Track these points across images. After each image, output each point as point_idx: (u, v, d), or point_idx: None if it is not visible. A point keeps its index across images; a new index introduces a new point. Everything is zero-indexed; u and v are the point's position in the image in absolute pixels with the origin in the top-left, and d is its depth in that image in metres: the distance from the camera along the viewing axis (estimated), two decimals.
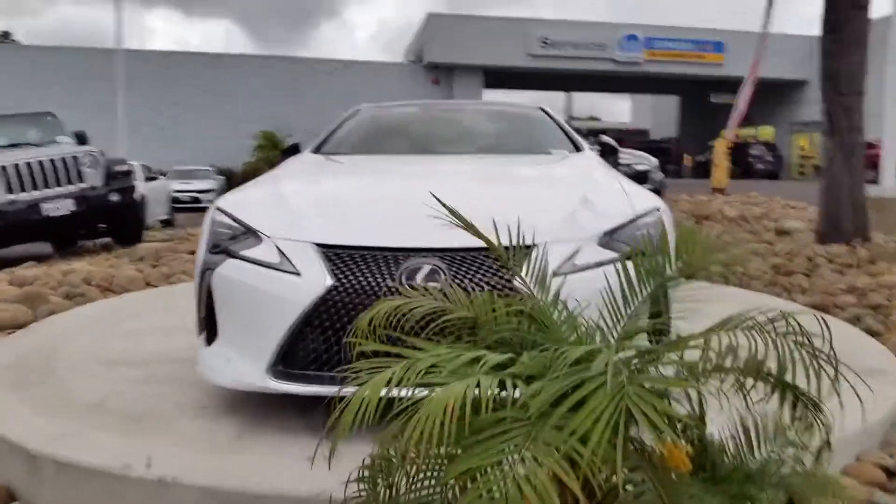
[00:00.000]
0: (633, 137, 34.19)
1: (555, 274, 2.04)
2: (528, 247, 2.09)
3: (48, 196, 7.26)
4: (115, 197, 7.72)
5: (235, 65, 30.03)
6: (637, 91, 42.38)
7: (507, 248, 2.08)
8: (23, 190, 7.17)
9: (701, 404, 1.42)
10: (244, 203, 2.57)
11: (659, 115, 44.72)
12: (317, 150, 3.62)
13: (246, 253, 2.26)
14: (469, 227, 1.59)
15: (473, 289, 2.07)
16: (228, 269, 2.26)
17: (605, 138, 3.72)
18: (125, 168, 8.20)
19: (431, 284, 2.03)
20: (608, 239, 2.28)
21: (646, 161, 7.50)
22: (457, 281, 2.08)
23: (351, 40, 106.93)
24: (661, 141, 36.82)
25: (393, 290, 2.07)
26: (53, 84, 25.93)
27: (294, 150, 3.78)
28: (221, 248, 2.32)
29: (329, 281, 2.09)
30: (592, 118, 56.67)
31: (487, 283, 2.08)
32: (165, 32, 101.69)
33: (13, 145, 7.77)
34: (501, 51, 30.85)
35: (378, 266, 2.12)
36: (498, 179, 2.92)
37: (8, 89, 24.69)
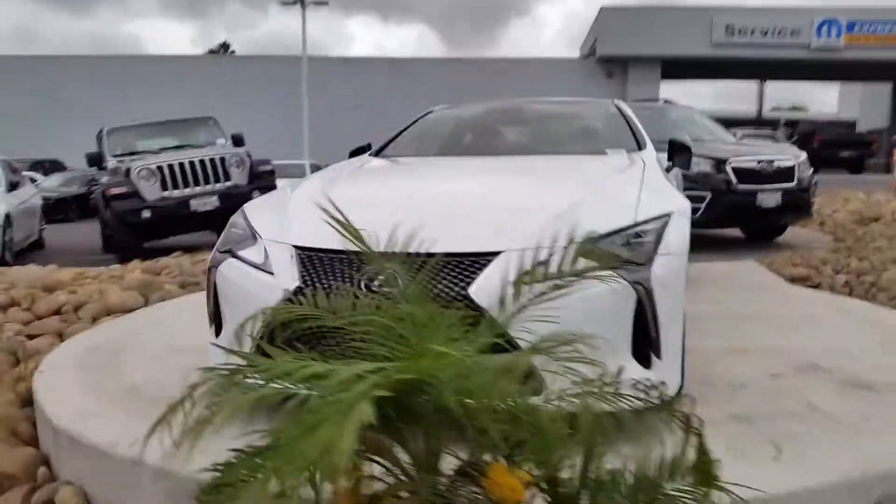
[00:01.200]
0: (832, 129, 30.99)
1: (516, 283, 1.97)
2: (489, 254, 2.05)
3: (196, 193, 8.12)
4: (257, 195, 8.40)
5: (412, 68, 31.23)
6: (841, 79, 38.53)
7: (460, 255, 2.06)
8: (175, 188, 8.07)
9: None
10: (261, 206, 2.72)
11: (868, 104, 40.25)
12: (378, 152, 3.73)
13: (241, 253, 2.41)
14: (350, 232, 1.58)
15: (432, 298, 2.04)
16: (227, 267, 2.42)
17: (679, 137, 3.47)
18: (269, 168, 8.95)
19: (388, 290, 2.05)
20: (591, 247, 2.13)
21: (790, 156, 6.82)
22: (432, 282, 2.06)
23: (539, 37, 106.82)
24: (863, 133, 33.09)
25: (357, 294, 2.10)
26: (254, 91, 28.51)
27: (361, 150, 3.91)
28: (227, 248, 2.49)
29: (295, 283, 2.17)
30: (795, 108, 52.58)
31: (446, 292, 2.05)
32: (364, 38, 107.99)
33: (178, 147, 8.78)
34: (681, 40, 29.46)
35: (343, 270, 2.16)
36: (511, 184, 2.84)
37: (219, 96, 27.53)
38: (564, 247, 2.11)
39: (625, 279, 2.10)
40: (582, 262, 2.13)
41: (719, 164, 6.58)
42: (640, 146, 3.40)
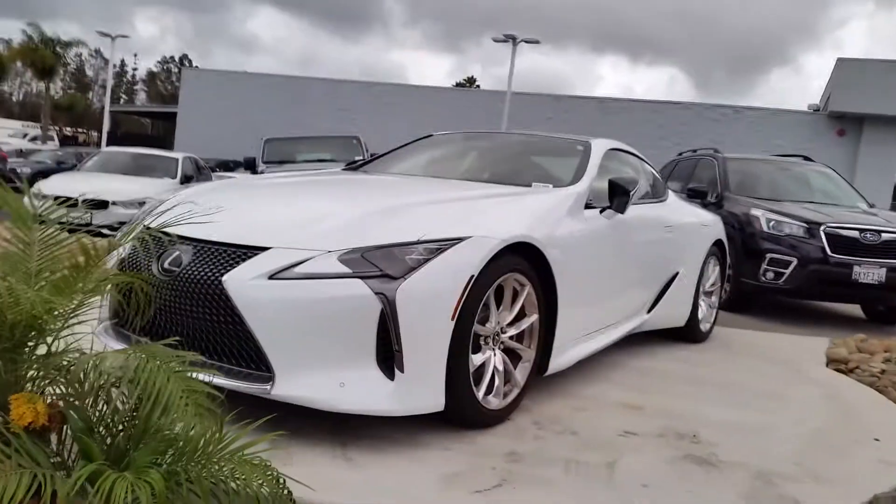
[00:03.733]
0: None
1: (272, 277, 2.23)
2: (256, 248, 2.32)
3: None
4: None
5: (622, 109, 30.83)
6: None
7: (226, 245, 2.34)
8: None
9: None
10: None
11: None
12: (360, 166, 4.10)
13: None
14: None
15: (201, 282, 2.35)
16: None
17: (615, 179, 3.38)
18: None
19: (172, 269, 2.40)
20: (357, 255, 2.30)
21: None
22: (193, 269, 2.37)
23: (803, 89, 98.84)
24: None
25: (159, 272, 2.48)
26: (474, 122, 29.62)
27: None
28: None
29: (123, 253, 2.58)
30: None
31: (213, 276, 2.33)
32: (611, 79, 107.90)
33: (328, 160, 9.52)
34: None
35: (150, 248, 2.54)
36: (378, 200, 3.00)
37: (439, 124, 29.19)
38: (328, 251, 2.32)
39: (370, 289, 2.23)
40: (339, 267, 2.32)
41: (812, 227, 5.94)
42: (574, 182, 3.38)
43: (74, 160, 19.90)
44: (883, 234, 5.88)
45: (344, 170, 4.17)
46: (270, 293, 2.25)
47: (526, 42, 26.04)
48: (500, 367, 2.69)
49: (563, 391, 3.19)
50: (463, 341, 2.41)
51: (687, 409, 3.11)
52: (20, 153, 22.88)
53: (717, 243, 4.83)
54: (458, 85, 57.15)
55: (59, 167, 18.82)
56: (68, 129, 48.08)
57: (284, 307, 2.24)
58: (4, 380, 1.60)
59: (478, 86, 56.97)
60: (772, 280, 6.02)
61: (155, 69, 75.67)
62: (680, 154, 9.28)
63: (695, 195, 7.03)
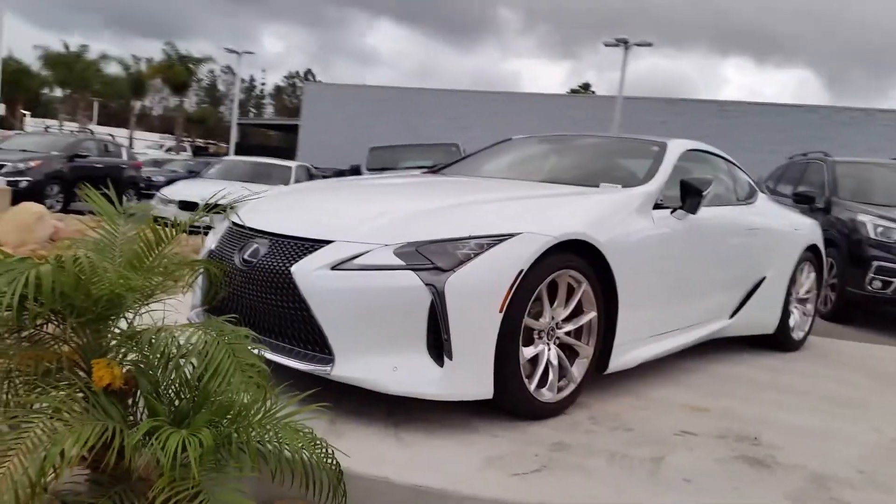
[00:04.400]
0: None
1: (334, 267, 2.45)
2: (321, 241, 2.54)
3: None
4: None
5: (742, 113, 29.55)
6: None
7: (295, 239, 2.58)
8: None
9: None
10: None
11: None
12: (440, 169, 4.27)
13: None
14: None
15: (274, 271, 2.59)
16: None
17: (688, 179, 3.36)
18: None
19: (250, 259, 2.66)
20: (411, 249, 2.47)
21: None
22: (267, 259, 2.62)
23: None
24: None
25: (241, 262, 2.76)
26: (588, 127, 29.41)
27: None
28: None
29: (211, 246, 2.88)
30: None
31: (283, 267, 2.56)
32: (737, 81, 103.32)
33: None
34: None
35: (235, 241, 2.81)
36: (438, 199, 3.12)
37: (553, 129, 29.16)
38: (385, 245, 2.51)
39: (421, 280, 2.38)
40: (394, 260, 2.50)
41: None
42: (644, 182, 3.39)
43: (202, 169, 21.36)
44: None
45: (424, 173, 4.35)
46: (332, 282, 2.44)
47: (638, 45, 25.56)
48: (555, 362, 2.76)
49: (627, 391, 3.20)
50: (512, 333, 2.50)
51: (757, 413, 3.05)
52: (155, 163, 24.81)
53: (812, 248, 4.63)
54: (573, 91, 56.65)
55: (190, 175, 20.30)
56: (200, 140, 51.60)
57: (344, 295, 2.43)
58: (90, 346, 1.86)
59: (593, 91, 56.28)
60: (879, 289, 5.68)
61: (281, 83, 79.88)
62: (790, 157, 8.88)
63: (802, 200, 6.73)
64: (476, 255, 2.46)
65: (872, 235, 5.77)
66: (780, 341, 4.42)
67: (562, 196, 3.16)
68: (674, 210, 3.38)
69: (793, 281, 4.43)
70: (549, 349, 2.75)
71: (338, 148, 31.24)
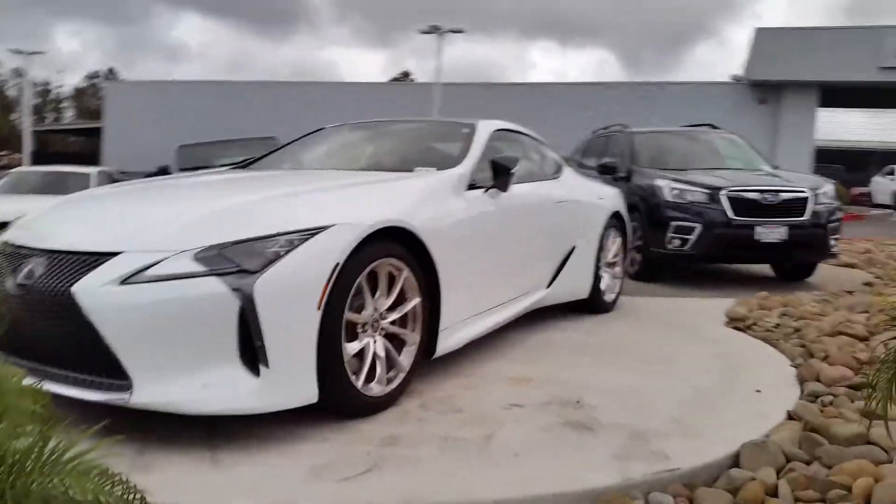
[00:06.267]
0: None
1: (123, 282, 2.18)
2: (108, 254, 2.25)
3: None
4: None
5: (552, 94, 31.10)
6: None
7: (77, 254, 2.28)
8: None
9: None
10: None
11: None
12: (251, 163, 4.06)
13: None
14: None
15: (53, 293, 2.28)
16: None
17: (497, 158, 3.42)
18: None
19: (25, 282, 2.32)
20: (213, 252, 2.27)
21: (803, 187, 6.22)
22: (45, 281, 2.30)
23: (730, 60, 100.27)
24: None
25: (14, 287, 2.39)
26: (398, 113, 29.63)
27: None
28: None
29: None
30: None
31: (63, 287, 2.26)
32: (543, 64, 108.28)
33: None
34: (843, 65, 26.97)
35: (8, 263, 2.46)
36: (242, 194, 2.96)
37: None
38: (183, 251, 2.28)
39: (227, 285, 2.20)
40: (193, 266, 2.28)
41: (713, 193, 6.12)
42: (456, 164, 3.41)
43: None
44: (781, 194, 6.09)
45: (231, 168, 4.11)
46: (122, 299, 2.20)
47: (452, 32, 26.12)
48: (382, 353, 2.70)
49: (456, 371, 3.22)
50: (334, 330, 2.40)
51: (577, 377, 3.18)
52: None
53: (616, 215, 4.93)
54: (393, 80, 56.84)
55: None
56: None
57: (137, 312, 2.19)
58: None
59: (412, 79, 56.79)
60: (678, 247, 6.18)
61: (81, 84, 73.24)
62: (593, 132, 9.45)
63: (606, 170, 7.18)
64: (287, 252, 2.33)
65: (669, 198, 6.27)
66: (594, 305, 4.67)
67: (375, 184, 3.09)
68: (486, 189, 3.43)
69: (601, 247, 4.69)
70: (375, 341, 2.68)
71: (147, 149, 29.22)
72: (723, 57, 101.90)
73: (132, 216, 2.67)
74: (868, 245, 8.89)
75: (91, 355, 2.26)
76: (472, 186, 3.37)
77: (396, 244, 2.71)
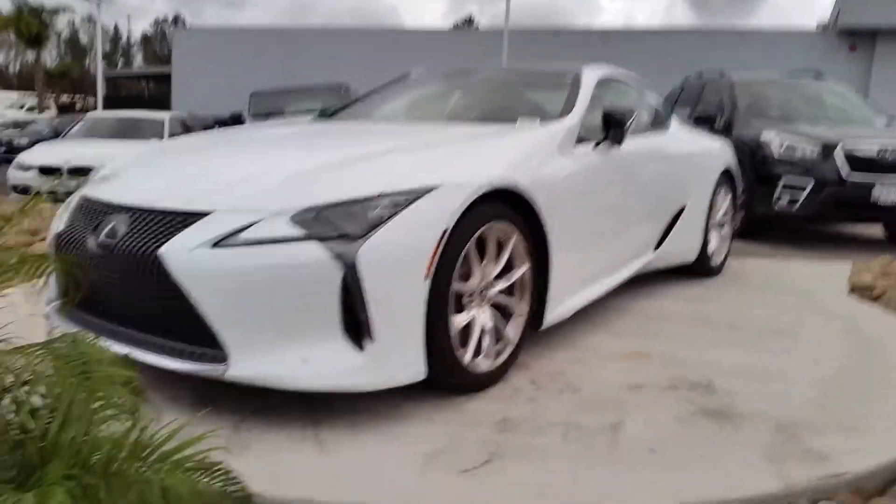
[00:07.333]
0: None
1: (216, 244, 1.97)
2: (197, 213, 2.05)
3: None
4: None
5: (625, 40, 29.86)
6: None
7: (164, 212, 2.08)
8: None
9: None
10: None
11: None
12: (332, 114, 3.79)
13: None
14: None
15: (139, 255, 2.09)
16: None
17: (610, 109, 3.06)
18: None
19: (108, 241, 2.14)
20: (311, 214, 2.03)
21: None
22: (129, 240, 2.11)
23: (809, 5, 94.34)
24: None
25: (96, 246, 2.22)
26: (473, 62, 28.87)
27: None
28: None
29: (59, 227, 2.33)
30: None
31: (150, 248, 2.07)
32: (611, 9, 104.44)
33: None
34: None
35: (88, 219, 2.28)
36: (337, 150, 2.69)
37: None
38: (278, 212, 2.05)
39: (328, 252, 1.96)
40: (291, 230, 2.05)
41: (827, 148, 5.56)
42: (563, 116, 3.06)
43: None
44: None
45: (315, 119, 3.85)
46: (216, 264, 1.98)
47: None
48: (490, 326, 2.43)
49: (563, 343, 2.94)
50: (441, 302, 2.15)
51: (697, 355, 2.86)
52: (16, 124, 22.49)
53: (726, 172, 4.50)
54: (456, 27, 55.68)
55: (58, 135, 18.54)
56: (66, 96, 47.38)
57: (233, 279, 1.98)
58: None
59: (476, 26, 55.46)
60: (787, 205, 5.69)
61: (149, 31, 74.36)
62: (686, 78, 8.83)
63: (702, 121, 6.65)
64: (391, 216, 2.06)
65: (777, 153, 5.76)
66: (700, 268, 4.30)
67: (479, 138, 2.78)
68: (597, 144, 3.08)
69: (711, 206, 4.29)
70: (483, 313, 2.41)
71: (215, 95, 29.44)
72: (800, 3, 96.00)
73: (221, 171, 2.44)
74: None
75: (182, 323, 2.06)
76: (579, 140, 3.03)
77: (505, 206, 2.42)
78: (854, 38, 27.09)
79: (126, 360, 1.58)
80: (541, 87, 3.83)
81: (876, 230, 6.76)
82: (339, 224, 2.01)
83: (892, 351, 3.04)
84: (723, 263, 4.55)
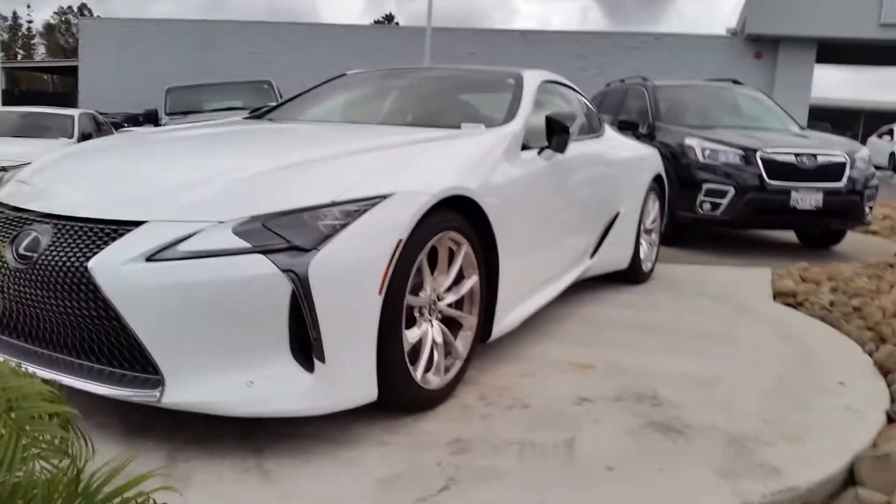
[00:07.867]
0: None
1: (150, 258, 1.80)
2: (129, 223, 1.88)
3: None
4: None
5: (544, 41, 30.38)
6: None
7: (92, 222, 1.90)
8: None
9: None
10: None
11: None
12: (264, 114, 3.63)
13: None
14: None
15: (64, 269, 1.90)
16: None
17: (553, 115, 3.04)
18: None
19: (28, 254, 1.94)
20: (256, 224, 1.89)
21: (839, 151, 5.90)
22: (53, 253, 1.92)
23: (715, 14, 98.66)
24: None
25: (15, 259, 2.01)
26: (384, 60, 28.74)
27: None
28: None
29: None
30: None
31: (77, 262, 1.89)
32: (528, 13, 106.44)
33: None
34: (844, 20, 26.48)
35: (4, 229, 2.07)
36: (282, 154, 2.56)
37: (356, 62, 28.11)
38: (220, 221, 1.91)
39: (276, 265, 1.83)
40: (234, 242, 1.92)
41: (748, 154, 5.77)
42: (507, 121, 3.02)
43: None
44: (819, 158, 5.76)
45: (246, 119, 3.67)
46: (149, 279, 1.82)
47: None
48: (440, 340, 2.36)
49: (508, 353, 2.90)
50: (394, 317, 2.06)
51: (640, 363, 2.87)
52: None
53: (657, 178, 4.58)
54: (376, 23, 55.27)
55: None
56: None
57: (169, 295, 1.82)
58: None
59: (397, 23, 55.18)
60: (709, 211, 5.86)
61: (52, 20, 70.42)
62: (608, 84, 9.00)
63: (626, 127, 6.77)
64: (343, 225, 1.95)
65: (701, 158, 5.92)
66: (632, 275, 4.36)
67: (426, 143, 2.69)
68: (541, 150, 3.05)
69: (642, 212, 4.36)
70: (433, 327, 2.34)
71: (126, 91, 28.24)
72: (706, 10, 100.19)
73: (154, 177, 2.26)
74: (886, 210, 8.63)
75: (112, 344, 1.90)
76: (523, 146, 2.99)
77: (458, 214, 2.35)
78: (759, 44, 28.49)
79: (55, 389, 1.43)
80: (481, 89, 3.78)
81: (790, 234, 7.07)
82: (287, 235, 1.89)
83: (823, 357, 3.14)
84: (652, 269, 4.63)
